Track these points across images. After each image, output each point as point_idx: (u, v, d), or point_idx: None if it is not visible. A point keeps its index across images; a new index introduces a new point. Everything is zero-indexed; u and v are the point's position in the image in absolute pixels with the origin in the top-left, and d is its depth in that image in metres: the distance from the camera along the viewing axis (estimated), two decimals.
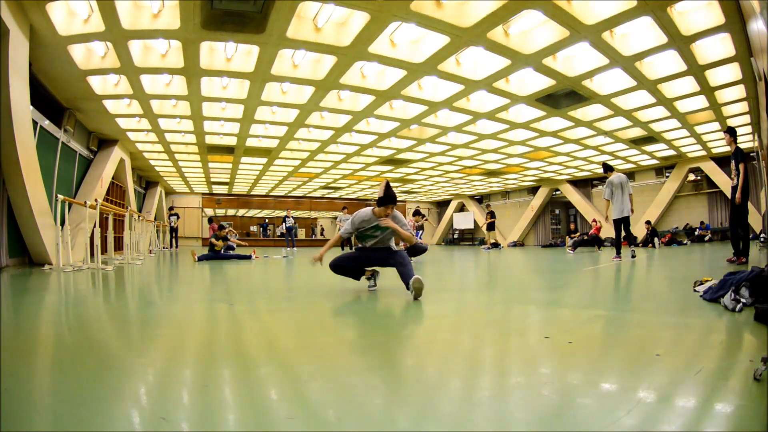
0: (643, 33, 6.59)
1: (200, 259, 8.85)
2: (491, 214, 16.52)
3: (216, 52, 7.16)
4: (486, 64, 7.56)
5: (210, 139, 11.92)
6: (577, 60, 7.53)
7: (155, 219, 16.44)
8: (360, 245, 3.85)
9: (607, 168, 7.92)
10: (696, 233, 15.20)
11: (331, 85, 8.02)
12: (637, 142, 12.61)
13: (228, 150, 13.19)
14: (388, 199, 3.51)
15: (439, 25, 5.93)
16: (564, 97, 8.89)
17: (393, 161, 15.24)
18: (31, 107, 6.61)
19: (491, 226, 16.46)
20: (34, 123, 7.22)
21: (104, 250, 8.89)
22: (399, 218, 3.67)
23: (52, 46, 6.34)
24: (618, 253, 7.62)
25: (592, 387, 1.37)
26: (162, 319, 2.72)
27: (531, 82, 8.41)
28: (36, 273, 5.77)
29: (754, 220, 13.46)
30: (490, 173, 17.98)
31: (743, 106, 9.32)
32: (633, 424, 1.06)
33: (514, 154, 14.26)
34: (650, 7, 5.56)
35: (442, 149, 13.47)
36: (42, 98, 7.90)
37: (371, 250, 3.75)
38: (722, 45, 6.77)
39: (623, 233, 7.63)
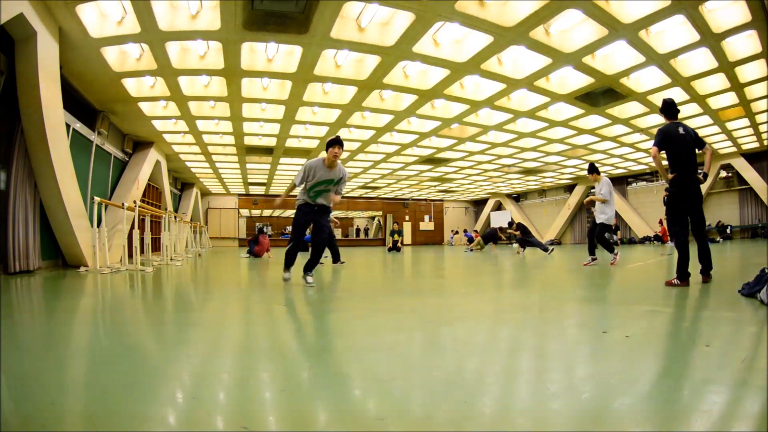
0: (676, 31, 6.65)
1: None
2: (523, 231, 15.46)
3: (257, 53, 7.18)
4: (527, 62, 7.55)
5: (249, 140, 12.00)
6: (615, 58, 7.55)
7: (191, 220, 16.71)
8: (306, 202, 4.16)
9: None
10: (728, 231, 14.75)
11: (374, 84, 8.05)
12: None
13: (267, 151, 13.25)
14: (334, 140, 3.99)
15: (483, 24, 5.93)
16: (602, 94, 8.95)
17: (432, 160, 15.23)
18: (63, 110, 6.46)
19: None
20: (66, 126, 7.03)
21: (141, 251, 8.76)
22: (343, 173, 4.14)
23: (84, 48, 6.25)
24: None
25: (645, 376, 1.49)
26: (218, 321, 2.80)
27: (571, 80, 8.41)
28: (71, 275, 5.61)
29: None
30: (528, 171, 17.84)
31: None
32: (680, 411, 1.19)
33: (552, 152, 14.15)
34: (683, 5, 5.62)
35: (481, 148, 13.44)
36: (74, 101, 7.77)
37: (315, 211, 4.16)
38: (750, 42, 6.86)
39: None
